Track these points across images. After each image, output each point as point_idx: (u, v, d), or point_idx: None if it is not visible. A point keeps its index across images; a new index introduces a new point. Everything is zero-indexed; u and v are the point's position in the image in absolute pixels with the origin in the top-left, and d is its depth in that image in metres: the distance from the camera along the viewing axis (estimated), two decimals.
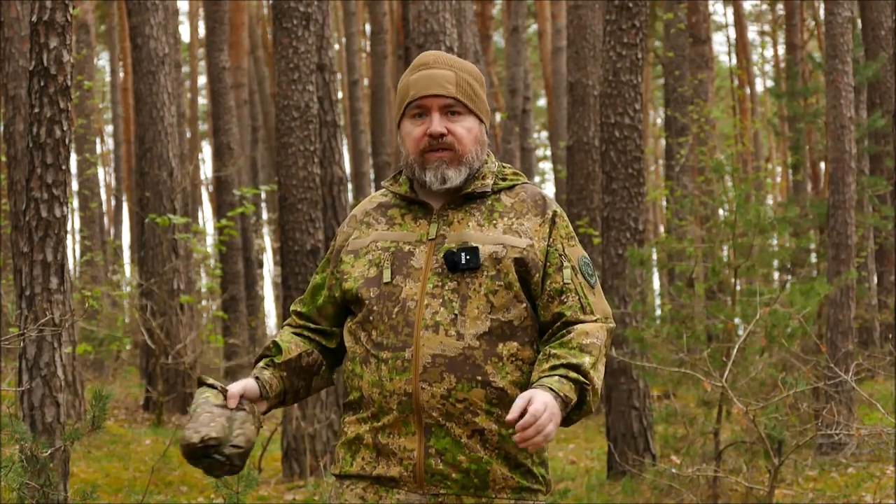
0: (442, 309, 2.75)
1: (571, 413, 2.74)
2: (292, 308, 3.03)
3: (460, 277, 2.77)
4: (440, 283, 2.77)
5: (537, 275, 2.82)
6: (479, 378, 2.73)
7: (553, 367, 2.71)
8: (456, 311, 2.74)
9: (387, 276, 2.80)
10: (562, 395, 2.66)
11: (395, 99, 2.97)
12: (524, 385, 2.77)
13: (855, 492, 8.22)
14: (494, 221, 2.85)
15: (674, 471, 7.58)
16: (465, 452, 2.73)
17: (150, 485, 8.66)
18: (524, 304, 2.80)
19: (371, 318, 2.80)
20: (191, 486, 9.02)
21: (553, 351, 2.75)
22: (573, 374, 2.70)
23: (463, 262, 2.76)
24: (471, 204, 2.88)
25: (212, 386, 2.77)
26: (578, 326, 2.79)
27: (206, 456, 2.69)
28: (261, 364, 2.91)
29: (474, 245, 2.79)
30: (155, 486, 8.86)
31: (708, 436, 7.79)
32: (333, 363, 3.01)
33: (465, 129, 2.86)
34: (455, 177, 2.84)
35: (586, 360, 2.73)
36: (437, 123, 2.83)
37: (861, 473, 8.92)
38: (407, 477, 2.74)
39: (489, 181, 2.89)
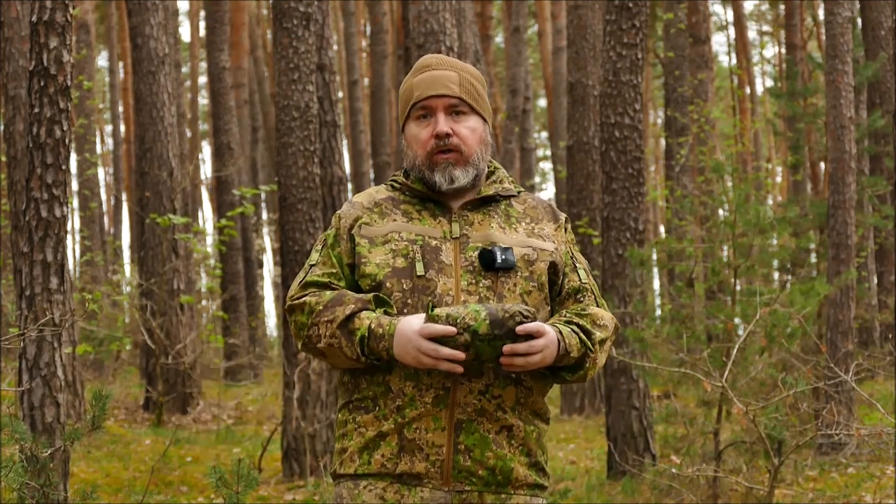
0: None
1: (565, 373, 2.81)
2: (307, 280, 2.86)
3: (494, 276, 2.80)
4: (474, 281, 2.79)
5: (561, 277, 2.90)
6: (514, 375, 2.77)
7: (569, 322, 2.80)
8: None
9: (420, 269, 2.78)
10: (566, 342, 2.74)
11: (397, 102, 2.97)
12: (543, 386, 2.86)
13: (855, 492, 8.22)
14: (514, 225, 2.89)
15: (674, 471, 7.58)
16: (492, 449, 2.75)
17: (150, 485, 8.66)
18: (549, 307, 2.87)
19: (405, 311, 2.77)
20: (191, 486, 9.03)
21: (570, 315, 2.84)
22: (583, 337, 2.79)
23: (499, 260, 2.78)
24: (487, 206, 2.91)
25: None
26: (594, 308, 2.88)
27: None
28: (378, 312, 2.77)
29: (507, 246, 2.82)
30: (155, 486, 8.86)
31: (708, 436, 7.79)
32: None
33: (470, 129, 2.88)
34: (462, 176, 2.86)
35: (598, 334, 2.82)
36: (443, 123, 2.85)
37: (861, 473, 8.92)
38: (434, 473, 2.74)
39: (507, 185, 2.95)
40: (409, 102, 2.90)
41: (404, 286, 2.78)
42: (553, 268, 2.86)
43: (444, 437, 2.74)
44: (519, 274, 2.81)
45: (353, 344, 2.73)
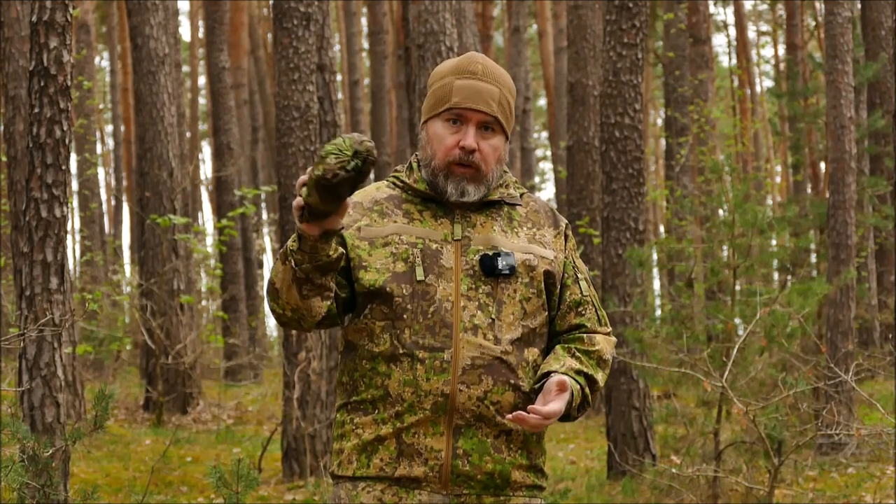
0: (479, 312, 2.76)
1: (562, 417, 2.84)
2: None
3: (494, 282, 2.78)
4: (474, 286, 2.77)
5: (559, 286, 2.89)
6: (512, 382, 2.77)
7: (578, 372, 2.81)
8: (493, 316, 2.76)
9: (419, 274, 2.76)
10: (570, 403, 2.77)
11: (414, 94, 2.94)
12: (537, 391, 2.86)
13: (855, 492, 8.22)
14: (515, 229, 2.88)
15: (674, 471, 7.58)
16: (490, 453, 2.76)
17: (150, 485, 8.66)
18: (546, 313, 2.87)
19: (404, 316, 2.75)
20: (191, 486, 9.03)
21: (578, 354, 2.85)
22: (587, 391, 2.82)
23: (500, 266, 2.77)
24: (490, 209, 2.89)
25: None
26: (599, 340, 2.89)
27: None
28: None
29: (508, 251, 2.81)
30: (155, 486, 8.86)
31: (708, 436, 7.79)
32: (338, 307, 2.82)
33: (493, 147, 2.85)
34: (474, 192, 2.83)
35: (600, 377, 2.86)
36: (472, 138, 2.82)
37: (861, 473, 8.92)
38: (432, 477, 2.74)
39: (513, 191, 2.93)
40: (442, 102, 2.85)
41: (404, 291, 2.76)
42: (549, 276, 2.85)
43: (443, 441, 2.74)
44: (519, 280, 2.80)
45: (282, 253, 2.63)
